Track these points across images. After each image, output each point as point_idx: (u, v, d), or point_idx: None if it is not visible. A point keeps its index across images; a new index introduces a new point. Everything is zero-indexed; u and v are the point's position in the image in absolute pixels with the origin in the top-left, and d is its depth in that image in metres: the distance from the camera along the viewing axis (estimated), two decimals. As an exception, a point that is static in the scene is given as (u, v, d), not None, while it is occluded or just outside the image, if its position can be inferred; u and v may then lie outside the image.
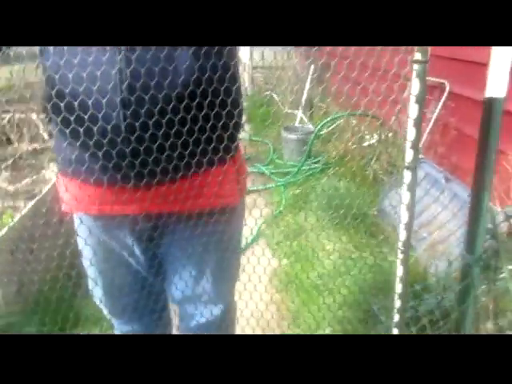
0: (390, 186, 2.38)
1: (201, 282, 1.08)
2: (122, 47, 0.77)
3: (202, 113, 0.84)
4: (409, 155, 0.85)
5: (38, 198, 1.86)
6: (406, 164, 0.86)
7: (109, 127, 0.80)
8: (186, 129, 0.83)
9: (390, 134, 2.75)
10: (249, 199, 1.17)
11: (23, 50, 0.87)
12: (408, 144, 0.84)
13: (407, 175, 0.86)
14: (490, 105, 0.81)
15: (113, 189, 0.88)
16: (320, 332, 1.59)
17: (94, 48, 0.77)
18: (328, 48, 2.47)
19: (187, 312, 1.18)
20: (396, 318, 1.00)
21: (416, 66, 0.79)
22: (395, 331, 1.01)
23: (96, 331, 1.70)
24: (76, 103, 0.79)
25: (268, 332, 1.60)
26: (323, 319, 1.45)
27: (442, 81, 2.28)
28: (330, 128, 3.41)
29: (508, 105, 0.87)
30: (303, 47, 4.19)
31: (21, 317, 1.55)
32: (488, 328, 1.15)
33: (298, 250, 2.03)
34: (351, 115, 3.06)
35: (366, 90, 1.39)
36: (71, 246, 1.13)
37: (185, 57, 0.81)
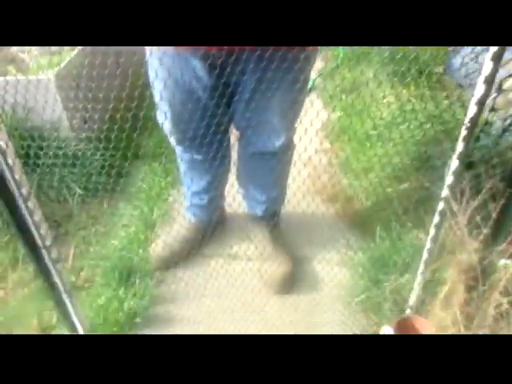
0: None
1: (268, 112, 1.11)
2: None
3: None
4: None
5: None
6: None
7: None
8: None
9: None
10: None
11: None
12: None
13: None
14: None
15: None
16: (367, 179, 1.63)
17: None
18: None
19: (250, 140, 1.23)
20: (454, 163, 0.93)
21: None
22: (449, 179, 0.96)
23: (156, 165, 1.83)
24: None
25: (311, 179, 1.65)
26: (373, 165, 1.46)
27: None
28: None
29: None
30: None
31: (88, 144, 1.67)
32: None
33: (354, 103, 1.96)
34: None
35: None
36: (126, 90, 1.13)
37: None
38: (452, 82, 2.08)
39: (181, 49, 1.01)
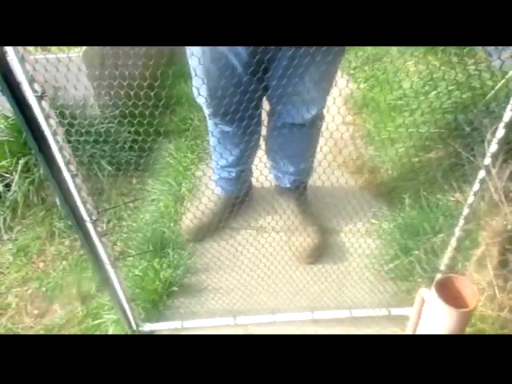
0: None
1: (300, 82, 1.11)
2: None
3: None
4: None
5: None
6: None
7: None
8: None
9: None
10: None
11: None
12: None
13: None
14: None
15: None
16: (392, 150, 1.61)
17: None
18: None
19: (282, 112, 1.23)
20: (500, 132, 0.89)
21: None
22: (494, 147, 0.92)
23: (181, 141, 1.86)
24: None
25: (336, 151, 1.64)
26: (399, 135, 1.45)
27: None
28: None
29: None
30: None
31: (113, 122, 1.70)
32: None
33: (378, 73, 1.93)
34: None
35: None
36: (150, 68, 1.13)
37: None
38: (480, 50, 2.02)
39: None
